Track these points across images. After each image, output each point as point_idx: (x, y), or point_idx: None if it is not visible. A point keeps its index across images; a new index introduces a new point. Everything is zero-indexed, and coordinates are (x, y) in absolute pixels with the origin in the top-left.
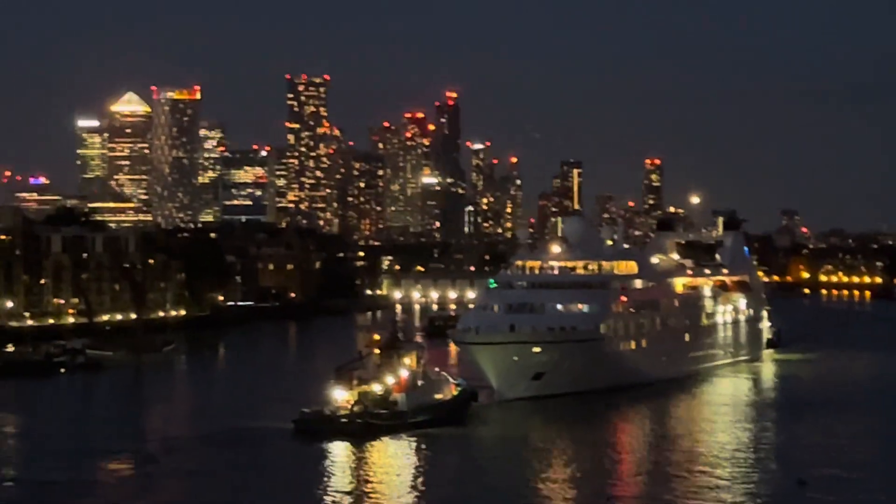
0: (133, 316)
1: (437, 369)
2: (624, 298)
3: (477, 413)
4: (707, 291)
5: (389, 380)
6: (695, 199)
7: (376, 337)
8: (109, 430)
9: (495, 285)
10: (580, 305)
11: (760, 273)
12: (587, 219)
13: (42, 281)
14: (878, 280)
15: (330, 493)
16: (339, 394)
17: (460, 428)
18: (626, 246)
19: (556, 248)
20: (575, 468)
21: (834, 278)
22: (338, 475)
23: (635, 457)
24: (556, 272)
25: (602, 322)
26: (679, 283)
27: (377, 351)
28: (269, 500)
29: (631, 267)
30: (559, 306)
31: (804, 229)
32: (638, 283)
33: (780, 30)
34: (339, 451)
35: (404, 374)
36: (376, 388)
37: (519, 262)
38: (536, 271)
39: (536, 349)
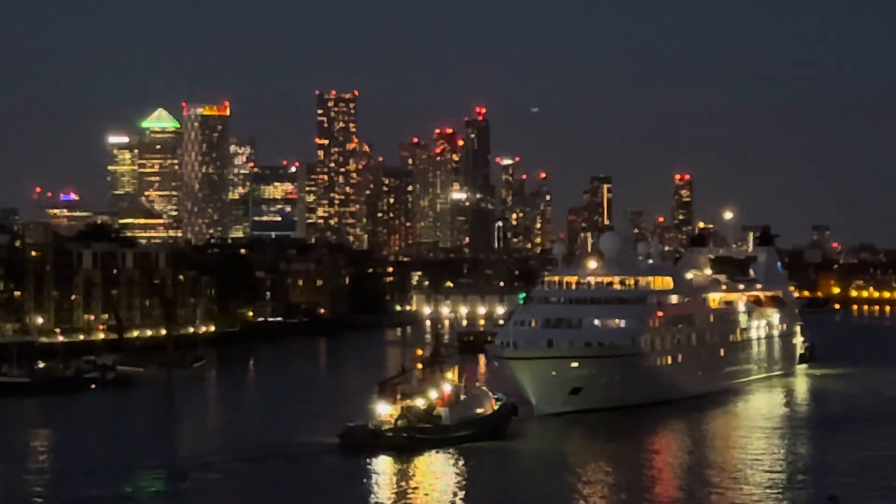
0: (163, 332)
1: (477, 384)
2: (660, 314)
3: (517, 428)
4: (741, 307)
5: (433, 394)
6: (728, 215)
7: (419, 352)
8: (142, 446)
9: (524, 300)
10: (617, 320)
11: (792, 288)
12: (623, 234)
13: (73, 297)
14: None
15: None
16: (383, 408)
17: (502, 442)
18: (659, 261)
19: (592, 264)
20: (613, 484)
21: (864, 294)
22: (384, 490)
23: (671, 473)
24: (592, 287)
25: (639, 337)
26: (713, 299)
27: (420, 365)
28: None
29: (667, 282)
30: (596, 321)
31: (835, 244)
32: (674, 299)
33: (811, 44)
34: (385, 466)
35: (447, 388)
36: (420, 402)
37: (555, 277)
38: (573, 286)
39: (574, 364)
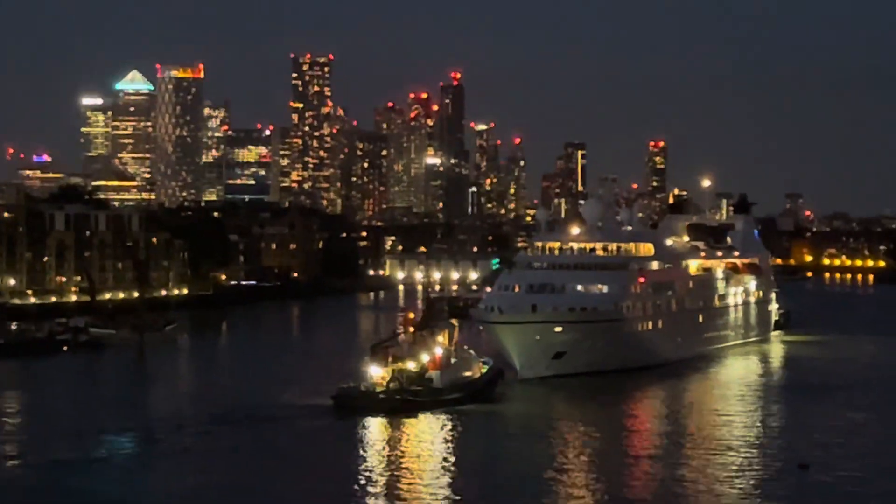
0: (136, 294)
1: (466, 347)
2: (642, 280)
3: (503, 391)
4: (719, 273)
5: (424, 357)
6: (706, 182)
7: (411, 315)
8: (113, 409)
9: (498, 266)
10: (600, 286)
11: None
12: (605, 201)
13: (45, 259)
14: (882, 264)
15: (371, 469)
16: (374, 370)
17: (490, 405)
18: (640, 228)
19: (575, 230)
20: (594, 448)
21: (837, 262)
22: (378, 451)
23: (649, 438)
24: (575, 253)
25: (622, 302)
26: (692, 265)
27: (411, 329)
28: (311, 476)
29: (648, 249)
30: (579, 287)
31: (808, 213)
32: (654, 265)
33: (786, 14)
34: (378, 427)
35: (439, 351)
36: (411, 365)
37: (538, 243)
38: (556, 252)
39: (558, 329)
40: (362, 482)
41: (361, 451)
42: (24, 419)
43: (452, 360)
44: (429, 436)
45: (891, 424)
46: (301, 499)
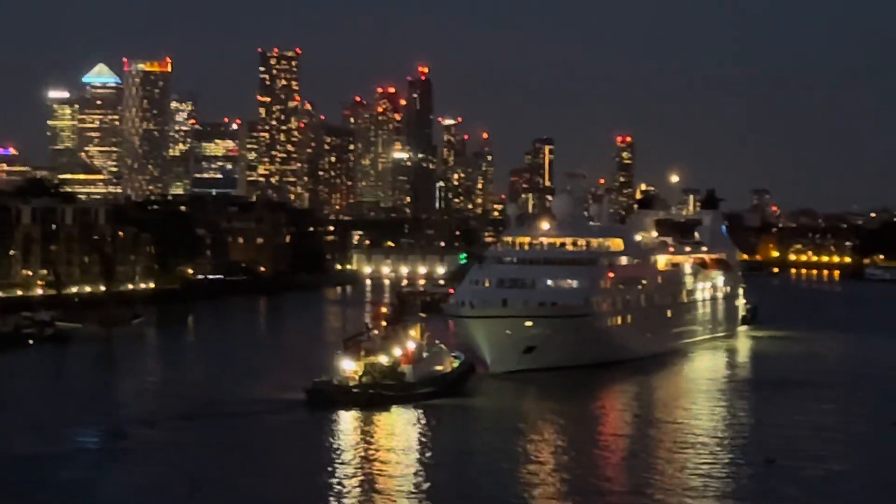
0: (102, 288)
1: (437, 342)
2: (611, 275)
3: (475, 385)
4: (688, 269)
5: (396, 351)
6: (674, 178)
7: (384, 309)
8: (80, 403)
9: (465, 260)
10: (570, 281)
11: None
12: (575, 196)
13: (11, 252)
14: (848, 260)
15: (344, 463)
16: (347, 364)
17: (462, 399)
18: (609, 223)
19: (545, 225)
20: (563, 443)
21: (803, 257)
22: (351, 444)
23: (617, 433)
24: (545, 248)
25: (592, 297)
26: (661, 261)
27: (383, 323)
28: (283, 470)
29: (617, 244)
30: (550, 282)
31: (774, 208)
32: (624, 260)
33: (750, 11)
34: (351, 421)
35: (411, 346)
36: (383, 359)
37: (509, 238)
38: (526, 247)
39: (528, 323)
40: (335, 476)
41: (334, 445)
42: None
43: (424, 355)
44: (401, 430)
45: (856, 420)
46: (273, 492)
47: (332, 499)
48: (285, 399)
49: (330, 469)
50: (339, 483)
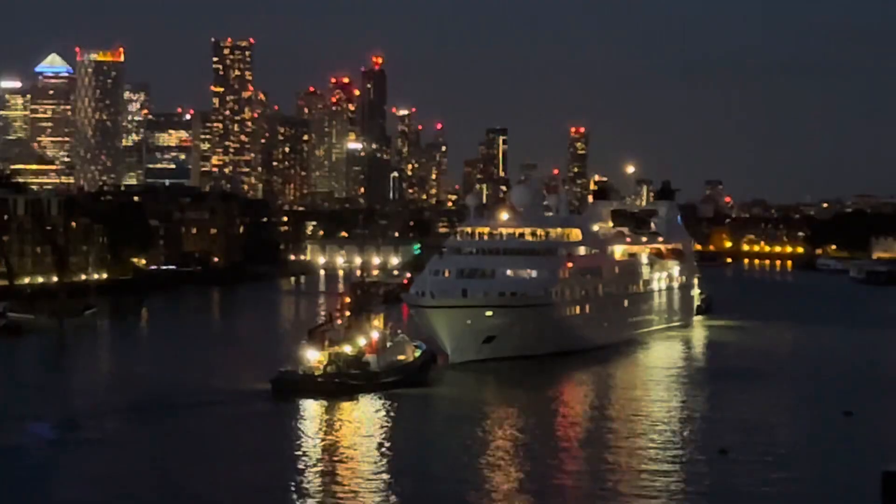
0: (55, 279)
1: (399, 332)
2: (570, 265)
3: (436, 375)
4: (644, 259)
5: (361, 341)
6: (629, 169)
7: (347, 299)
8: (31, 396)
9: (420, 251)
10: (530, 271)
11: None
12: (534, 187)
13: None
14: (800, 250)
15: (309, 452)
16: (311, 354)
17: (424, 389)
18: (567, 214)
19: (504, 215)
20: (520, 431)
21: (756, 248)
22: (316, 433)
23: (574, 422)
24: (505, 238)
25: (551, 287)
26: (618, 251)
27: (347, 313)
28: (248, 460)
29: (576, 234)
30: (509, 272)
31: (727, 199)
32: (582, 250)
33: (704, 5)
34: (316, 410)
35: (375, 335)
36: (347, 349)
37: (468, 228)
38: (486, 237)
39: (489, 313)
40: (301, 464)
41: (300, 434)
42: None
43: (388, 344)
44: (366, 419)
45: (808, 410)
46: (238, 481)
47: (297, 487)
48: (250, 389)
49: (296, 457)
50: (305, 471)
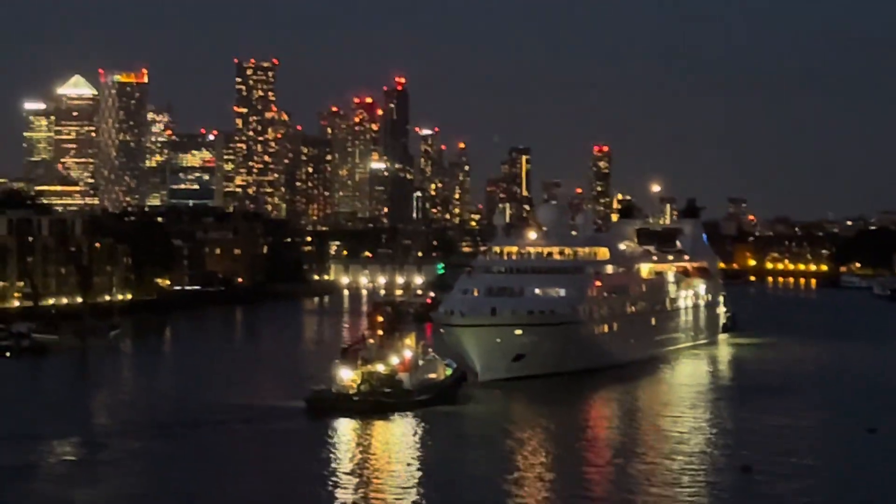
0: (79, 300)
1: (430, 350)
2: (598, 283)
3: (467, 393)
4: (671, 277)
5: (393, 360)
6: (655, 188)
7: (379, 318)
8: (56, 415)
9: (443, 271)
10: (558, 290)
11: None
12: (561, 206)
13: None
14: (824, 268)
15: (344, 470)
16: (345, 373)
17: (456, 406)
18: (593, 232)
19: (532, 234)
20: (549, 449)
21: (780, 266)
22: (351, 452)
23: (601, 440)
24: (533, 257)
25: (579, 306)
26: (644, 269)
27: (380, 332)
28: (282, 478)
29: (603, 253)
30: (537, 290)
31: (751, 217)
32: (609, 269)
33: (725, 16)
34: (351, 428)
35: (408, 354)
36: (380, 367)
37: (497, 248)
38: (514, 256)
39: (518, 332)
40: (336, 483)
41: (335, 452)
42: None
43: (420, 363)
44: (400, 437)
45: (832, 427)
46: (272, 498)
47: None
48: (284, 407)
49: (332, 475)
50: (340, 488)
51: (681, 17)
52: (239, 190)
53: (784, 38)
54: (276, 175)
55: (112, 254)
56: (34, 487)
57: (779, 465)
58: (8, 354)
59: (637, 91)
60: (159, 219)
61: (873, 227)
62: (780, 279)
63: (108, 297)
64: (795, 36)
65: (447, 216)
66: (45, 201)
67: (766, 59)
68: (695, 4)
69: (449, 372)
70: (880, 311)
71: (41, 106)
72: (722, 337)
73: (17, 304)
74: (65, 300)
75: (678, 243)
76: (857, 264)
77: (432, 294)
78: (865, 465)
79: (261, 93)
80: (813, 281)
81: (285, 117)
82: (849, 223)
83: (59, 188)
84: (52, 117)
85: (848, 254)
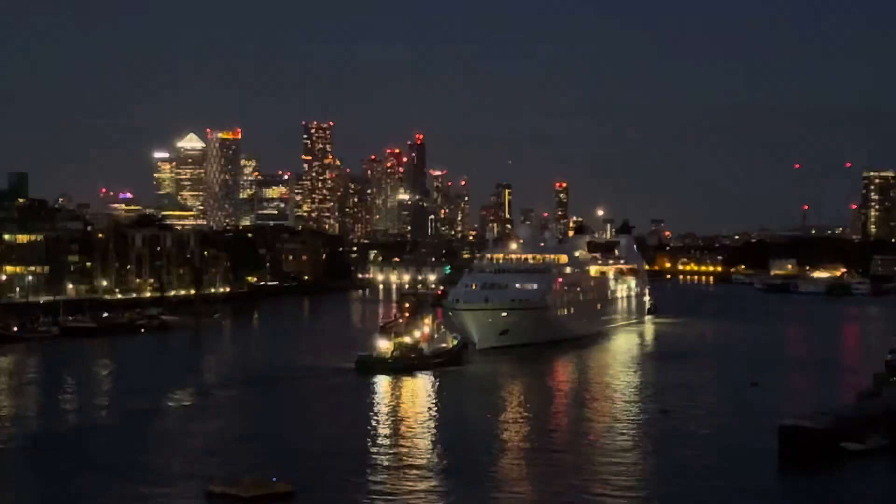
0: (192, 292)
1: (442, 327)
2: (559, 280)
3: (468, 357)
4: (611, 275)
5: (417, 334)
6: (600, 212)
7: (406, 305)
8: (176, 373)
9: (449, 271)
10: (531, 285)
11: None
12: (533, 226)
13: (128, 266)
14: (719, 269)
15: (381, 412)
16: (382, 343)
17: (461, 367)
18: (556, 244)
19: (513, 245)
20: (527, 398)
21: (688, 267)
22: (389, 398)
23: (561, 390)
24: (514, 262)
25: (546, 296)
26: (593, 270)
27: (406, 315)
28: (338, 420)
29: (563, 259)
30: (517, 285)
31: (667, 233)
32: (568, 270)
33: (643, 83)
34: (387, 382)
35: (426, 330)
36: (407, 339)
37: (488, 255)
38: (500, 261)
39: (504, 314)
40: (377, 421)
41: (375, 401)
42: (111, 381)
43: (435, 336)
44: (422, 389)
45: (725, 381)
46: (331, 433)
47: (374, 434)
48: (339, 367)
49: (374, 416)
50: (381, 424)
51: (614, 93)
52: (305, 214)
53: (680, 101)
54: (331, 203)
55: (216, 259)
56: (163, 424)
57: (687, 408)
58: (143, 330)
59: (584, 140)
60: (249, 234)
61: (754, 240)
62: (689, 277)
63: (212, 290)
64: (692, 103)
65: (452, 232)
66: (168, 222)
67: (674, 118)
68: (621, 59)
69: (455, 342)
70: (759, 300)
71: (165, 154)
72: (647, 318)
73: (148, 294)
74: (182, 292)
75: (616, 251)
76: (743, 266)
77: (442, 287)
78: (750, 409)
79: (321, 145)
80: (711, 278)
81: (338, 163)
82: (736, 237)
83: (178, 213)
84: (174, 163)
85: (736, 259)
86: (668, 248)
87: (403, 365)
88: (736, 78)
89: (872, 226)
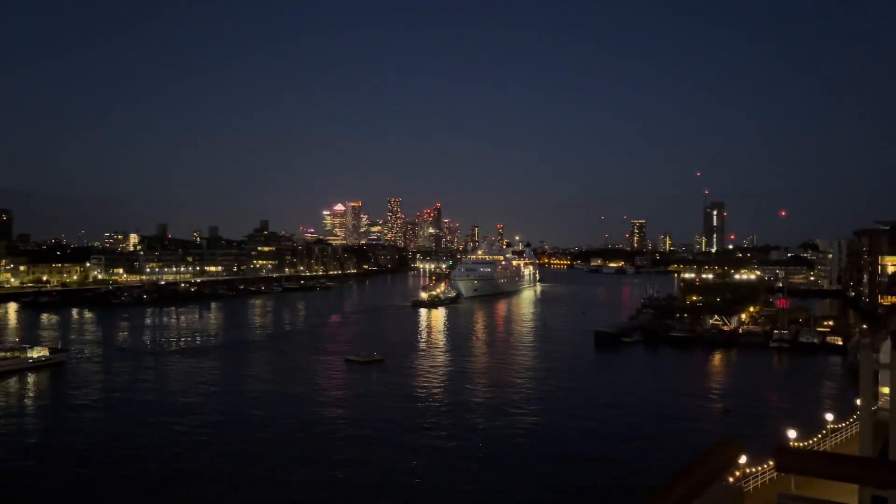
0: (339, 272)
1: (449, 287)
2: (499, 268)
3: (460, 300)
4: (522, 266)
5: (437, 290)
6: (517, 237)
7: (434, 279)
8: (333, 308)
9: (451, 263)
10: (488, 269)
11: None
12: (489, 244)
13: (311, 261)
14: (568, 262)
15: (424, 326)
16: (423, 293)
17: (457, 305)
18: (496, 252)
19: (480, 252)
20: (488, 318)
21: (555, 262)
22: (429, 319)
23: (501, 320)
24: (480, 259)
25: (494, 274)
26: (514, 263)
27: (433, 281)
28: (401, 331)
29: (501, 258)
30: (482, 269)
31: (547, 247)
32: (503, 263)
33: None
34: (427, 312)
35: (442, 288)
36: (434, 292)
37: (471, 256)
38: (475, 258)
39: (475, 282)
40: (425, 328)
41: (422, 321)
42: (319, 308)
43: (448, 289)
44: (442, 314)
45: (574, 312)
46: (400, 335)
47: (421, 335)
48: (403, 305)
49: (423, 327)
50: (423, 330)
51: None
52: (389, 237)
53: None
54: (401, 234)
55: (349, 258)
56: (333, 328)
57: (554, 321)
58: (317, 289)
59: (512, 190)
60: (364, 247)
61: (585, 249)
62: (555, 266)
63: (349, 272)
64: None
65: (453, 246)
66: (329, 241)
67: (559, 149)
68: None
69: (454, 294)
70: (586, 276)
71: (328, 211)
72: (537, 285)
73: (320, 273)
74: (332, 272)
75: (524, 255)
76: (579, 261)
77: (448, 270)
78: (582, 322)
79: (397, 207)
80: (564, 266)
81: (400, 215)
82: (576, 248)
83: (332, 238)
84: (331, 216)
85: (576, 257)
86: (548, 253)
87: (432, 304)
88: None
89: (635, 242)
